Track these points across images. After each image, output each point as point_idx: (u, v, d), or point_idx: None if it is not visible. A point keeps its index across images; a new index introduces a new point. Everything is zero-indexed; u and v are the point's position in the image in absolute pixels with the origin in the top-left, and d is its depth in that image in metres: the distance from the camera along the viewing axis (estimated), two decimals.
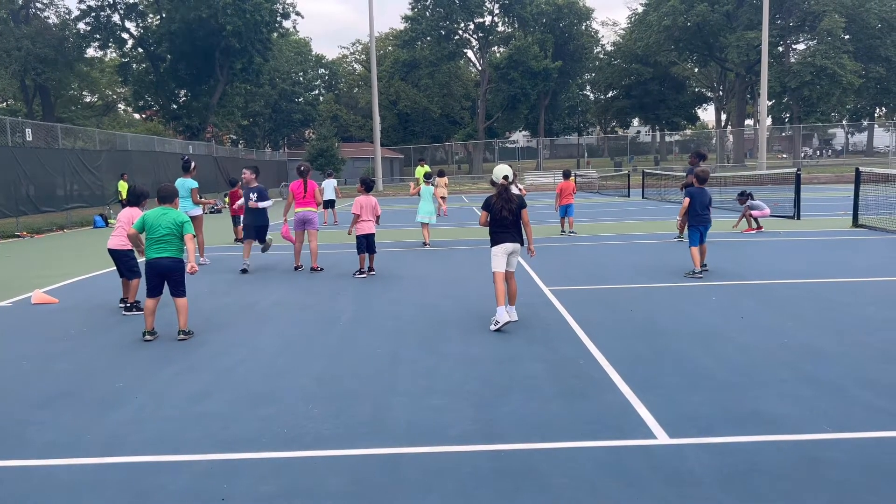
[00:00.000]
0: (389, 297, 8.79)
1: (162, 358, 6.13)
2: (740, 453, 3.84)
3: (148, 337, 6.74)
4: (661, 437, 4.08)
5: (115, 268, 8.32)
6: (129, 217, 7.81)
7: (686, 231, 10.43)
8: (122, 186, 24.11)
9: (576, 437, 4.13)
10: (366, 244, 10.44)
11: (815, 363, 5.44)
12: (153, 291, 6.77)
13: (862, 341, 6.04)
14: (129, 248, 7.78)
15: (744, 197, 15.45)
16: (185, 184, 11.51)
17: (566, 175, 16.08)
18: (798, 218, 17.05)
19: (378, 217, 10.77)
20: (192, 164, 11.89)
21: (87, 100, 65.14)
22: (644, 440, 4.06)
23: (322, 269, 11.00)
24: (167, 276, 6.76)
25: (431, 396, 4.92)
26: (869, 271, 9.62)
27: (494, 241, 6.81)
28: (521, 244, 6.89)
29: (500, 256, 6.77)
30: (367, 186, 10.72)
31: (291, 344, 6.55)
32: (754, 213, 14.99)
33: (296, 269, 11.14)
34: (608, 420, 4.39)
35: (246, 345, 6.55)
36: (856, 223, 15.24)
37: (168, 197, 6.94)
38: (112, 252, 8.11)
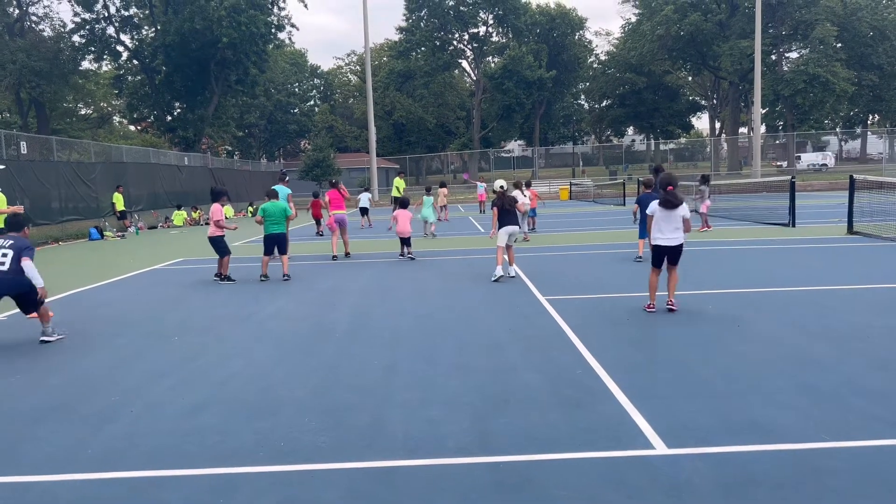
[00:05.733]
0: (386, 307, 8.78)
1: (157, 371, 6.11)
2: (738, 463, 3.84)
3: (262, 278, 11.09)
4: (660, 448, 4.08)
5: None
6: (217, 210, 11.36)
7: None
8: (118, 198, 24.07)
9: (574, 448, 4.12)
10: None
11: (812, 371, 5.45)
12: (268, 251, 11.31)
13: (858, 349, 6.05)
14: (220, 234, 11.13)
15: (704, 180, 16.53)
16: (282, 190, 13.85)
17: (525, 185, 17.91)
18: (793, 225, 17.12)
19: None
20: (287, 177, 15.40)
21: (83, 112, 65.03)
22: (642, 450, 4.05)
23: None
24: (277, 243, 11.25)
25: (428, 408, 4.91)
26: (864, 278, 9.65)
27: (501, 224, 10.50)
28: (518, 227, 10.66)
29: (504, 236, 10.48)
30: (402, 203, 14.09)
31: (287, 355, 6.53)
32: (701, 207, 15.49)
33: (333, 258, 13.67)
34: (606, 430, 4.38)
35: (242, 356, 6.53)
36: (850, 230, 15.30)
37: (274, 195, 11.73)
38: (209, 239, 11.25)
